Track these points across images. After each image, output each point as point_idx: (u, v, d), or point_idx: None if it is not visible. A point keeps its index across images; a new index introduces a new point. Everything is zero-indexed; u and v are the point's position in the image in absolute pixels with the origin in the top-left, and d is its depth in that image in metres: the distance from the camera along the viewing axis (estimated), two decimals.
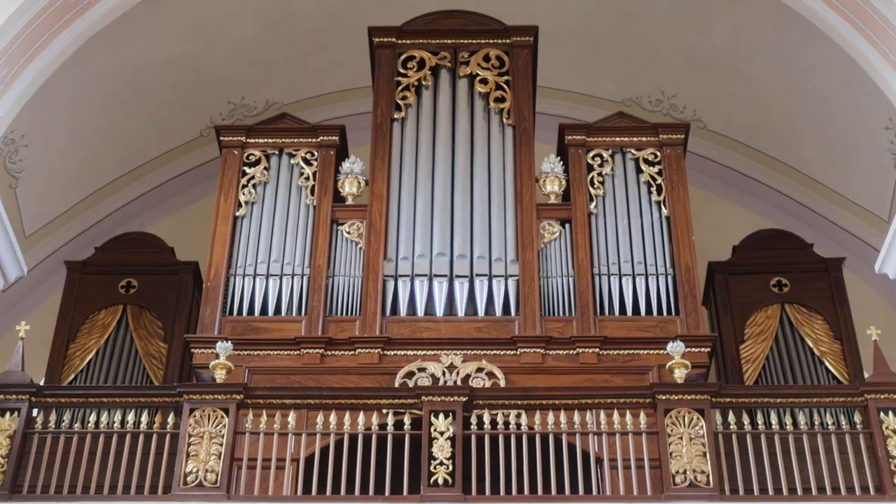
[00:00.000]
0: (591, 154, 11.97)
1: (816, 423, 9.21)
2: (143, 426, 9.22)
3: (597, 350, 10.71)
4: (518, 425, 9.22)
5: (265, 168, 11.94)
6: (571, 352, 10.74)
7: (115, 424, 9.23)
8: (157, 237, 13.19)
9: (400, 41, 12.50)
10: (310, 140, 12.08)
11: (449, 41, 12.52)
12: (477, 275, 11.07)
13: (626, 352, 10.70)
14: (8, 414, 9.09)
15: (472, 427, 9.18)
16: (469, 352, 10.61)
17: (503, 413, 9.30)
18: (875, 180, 12.89)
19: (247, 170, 11.92)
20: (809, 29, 11.18)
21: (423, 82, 12.34)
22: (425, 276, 11.07)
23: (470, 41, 12.53)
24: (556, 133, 12.29)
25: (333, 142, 12.05)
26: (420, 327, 10.84)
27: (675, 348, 9.56)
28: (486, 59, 12.44)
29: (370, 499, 8.82)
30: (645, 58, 13.71)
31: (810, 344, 12.15)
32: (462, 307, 10.92)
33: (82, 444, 9.06)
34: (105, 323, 12.35)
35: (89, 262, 12.87)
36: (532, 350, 10.71)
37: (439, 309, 10.91)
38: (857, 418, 9.19)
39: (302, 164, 11.96)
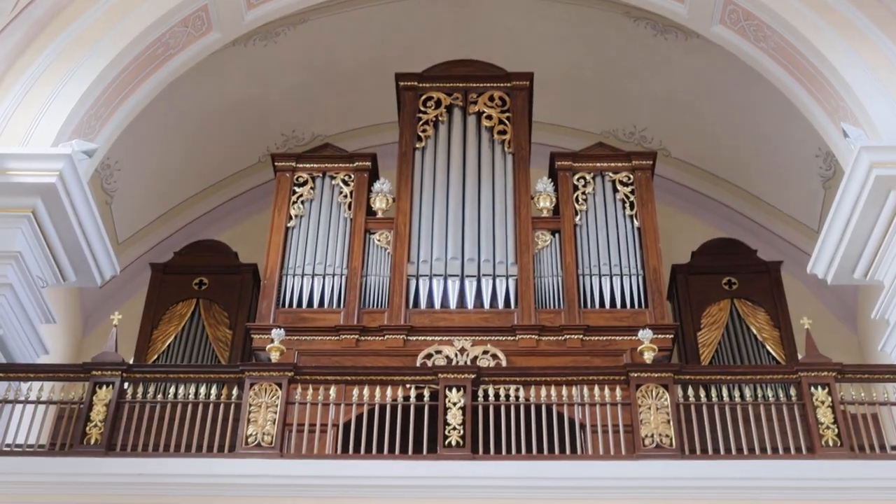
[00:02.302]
0: (576, 176, 11.97)
1: (759, 395, 9.15)
2: (212, 397, 9.23)
3: (581, 336, 10.72)
4: (517, 398, 9.19)
5: (311, 188, 11.97)
6: (560, 338, 10.76)
7: (190, 396, 9.23)
8: (224, 244, 13.20)
9: (421, 85, 12.52)
10: (347, 165, 12.10)
11: (461, 85, 12.55)
12: (483, 275, 11.09)
13: (604, 338, 10.72)
14: (104, 387, 9.09)
15: (479, 399, 9.15)
16: (477, 337, 10.63)
17: (505, 388, 9.27)
18: (807, 198, 12.88)
19: (296, 189, 11.95)
20: (754, 74, 11.19)
21: (440, 118, 12.36)
22: (441, 275, 11.09)
23: (478, 85, 12.55)
24: (548, 159, 12.31)
25: (367, 166, 12.07)
26: (437, 317, 10.87)
27: (645, 335, 9.52)
28: (491, 99, 12.46)
29: (396, 457, 8.81)
30: (620, 98, 13.71)
31: (754, 331, 12.12)
32: (471, 301, 10.94)
33: (164, 412, 9.08)
34: (182, 313, 12.37)
35: (169, 264, 12.88)
36: (528, 336, 10.73)
37: (453, 302, 10.93)
38: (793, 392, 9.16)
39: (341, 184, 11.98)
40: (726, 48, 11.01)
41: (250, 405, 9.03)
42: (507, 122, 12.27)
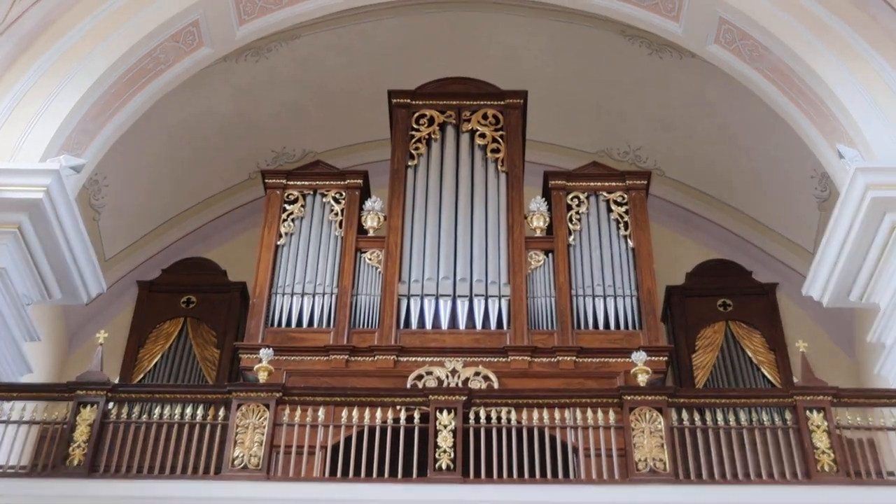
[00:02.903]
0: (570, 196, 11.99)
1: (755, 420, 9.12)
2: (198, 418, 9.16)
3: (574, 358, 10.70)
4: (509, 420, 9.14)
5: (302, 205, 11.96)
6: (553, 359, 10.74)
7: (176, 416, 9.16)
8: (213, 262, 13.22)
9: (414, 102, 12.53)
10: (339, 182, 12.10)
11: (454, 102, 12.56)
12: (475, 295, 11.07)
13: (598, 360, 10.70)
14: (89, 406, 9.02)
15: (470, 421, 9.09)
16: (468, 359, 10.61)
17: (496, 410, 9.21)
18: (803, 219, 12.90)
19: (287, 206, 11.94)
20: (750, 94, 11.21)
21: (433, 136, 12.36)
22: (433, 295, 11.06)
23: (471, 103, 12.57)
24: (542, 178, 12.31)
25: (358, 184, 12.07)
26: (428, 338, 10.83)
27: (639, 357, 9.50)
28: (485, 117, 12.47)
29: (386, 480, 8.75)
30: (615, 117, 13.73)
31: (750, 354, 12.14)
32: (463, 322, 10.92)
33: (149, 433, 9.02)
34: (169, 332, 12.37)
35: (156, 282, 12.89)
36: (520, 358, 10.71)
37: (444, 323, 10.91)
38: (788, 416, 9.13)
39: (332, 202, 11.97)
40: (721, 68, 11.05)
41: (237, 426, 8.97)
42: (500, 140, 12.28)
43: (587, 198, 11.98)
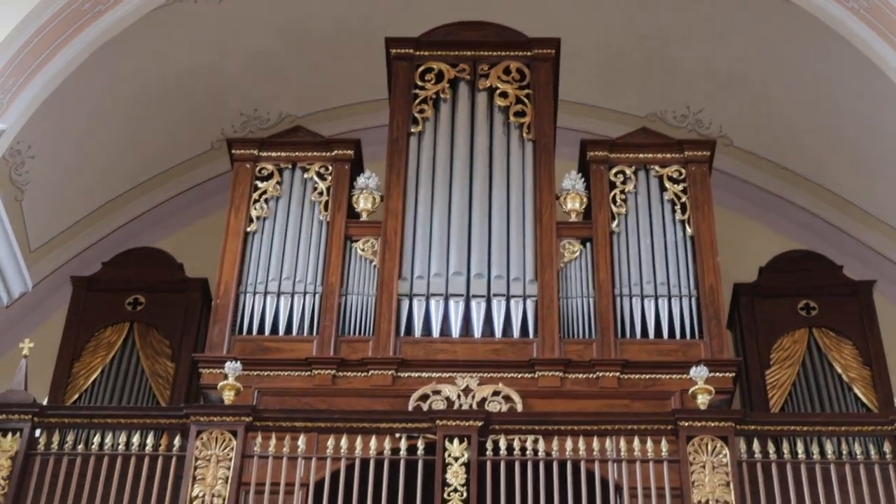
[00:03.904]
0: (613, 171, 11.95)
1: (844, 452, 9.10)
2: (148, 448, 9.19)
3: (617, 374, 10.67)
4: (535, 451, 9.17)
5: (277, 182, 11.95)
6: (591, 375, 10.71)
7: (120, 446, 9.19)
8: (166, 253, 13.22)
9: (418, 53, 12.50)
10: (324, 154, 12.08)
11: (468, 53, 12.52)
12: (494, 295, 11.05)
13: (647, 376, 10.66)
14: (10, 434, 9.05)
15: (487, 453, 9.12)
16: (485, 374, 10.57)
17: (520, 438, 9.25)
18: None
19: (259, 184, 11.92)
20: (838, 42, 11.14)
21: (441, 95, 12.34)
22: (441, 295, 11.05)
23: (490, 53, 12.53)
24: (578, 149, 12.28)
25: (348, 156, 12.05)
26: (435, 349, 10.82)
27: (699, 373, 9.50)
28: (507, 72, 12.43)
29: None
30: (669, 72, 13.70)
31: (839, 370, 12.09)
32: (479, 328, 10.90)
33: (86, 467, 9.04)
34: (111, 341, 12.35)
35: (95, 278, 12.88)
36: (550, 373, 10.69)
37: (455, 330, 10.89)
38: (887, 448, 9.12)
39: (315, 178, 11.97)
40: (803, 7, 10.99)
41: (197, 458, 9.00)
42: (526, 100, 12.25)
43: (635, 173, 11.94)
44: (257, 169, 12.00)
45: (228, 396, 9.42)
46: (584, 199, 11.78)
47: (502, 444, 9.18)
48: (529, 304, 11.03)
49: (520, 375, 10.66)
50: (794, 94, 13.22)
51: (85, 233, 13.66)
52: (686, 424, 9.16)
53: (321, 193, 11.87)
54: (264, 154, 12.08)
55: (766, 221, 13.98)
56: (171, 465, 9.10)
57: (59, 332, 12.52)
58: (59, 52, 10.58)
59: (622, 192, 11.83)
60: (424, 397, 10.43)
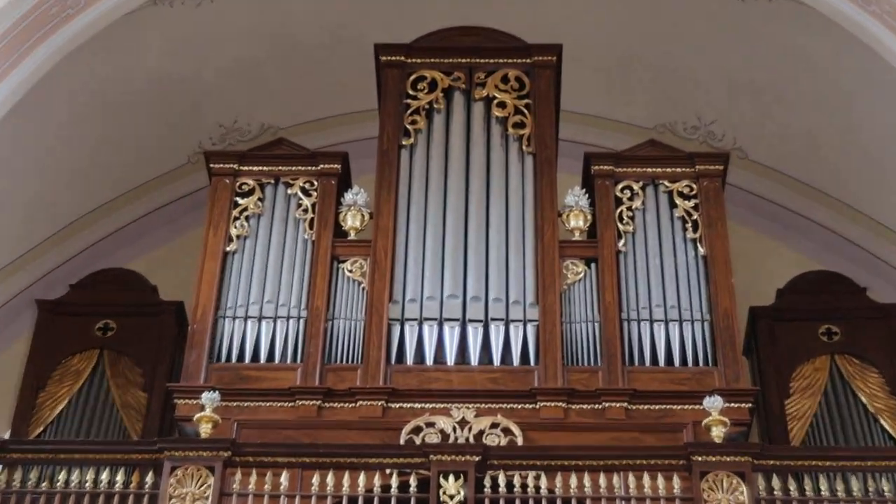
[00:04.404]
0: (619, 186, 11.95)
1: (871, 489, 9.08)
2: (118, 486, 9.14)
3: (625, 405, 10.63)
4: (537, 488, 9.15)
5: (259, 199, 11.94)
6: (597, 406, 10.67)
7: (88, 483, 9.18)
8: (138, 274, 13.19)
9: (409, 60, 12.51)
10: (309, 168, 12.08)
11: (463, 60, 12.54)
12: (492, 319, 11.02)
13: (657, 407, 10.62)
14: None
15: (485, 490, 9.11)
16: (483, 405, 10.54)
17: (520, 475, 9.23)
18: None
19: (239, 200, 11.91)
20: (859, 48, 11.16)
21: (435, 105, 12.34)
22: (435, 320, 11.01)
23: (487, 60, 12.54)
24: (581, 162, 12.28)
25: (335, 170, 12.05)
26: (429, 377, 10.78)
27: (713, 403, 9.48)
28: (505, 80, 12.44)
29: None
30: (680, 80, 13.72)
31: (864, 399, 12.06)
32: (475, 355, 10.86)
33: None
34: (78, 369, 12.30)
35: (62, 302, 12.86)
36: (553, 404, 10.64)
37: (450, 357, 10.85)
38: None
39: (300, 194, 11.95)
40: (821, 12, 11.00)
41: (171, 497, 9.02)
42: (525, 111, 12.26)
43: (643, 188, 11.94)
44: (237, 184, 11.99)
45: (205, 429, 9.38)
46: (589, 217, 11.76)
47: (501, 480, 9.16)
48: (530, 329, 10.99)
49: (520, 406, 10.61)
50: (814, 103, 13.22)
51: (51, 253, 13.61)
52: (700, 459, 9.16)
53: (306, 210, 11.85)
54: (245, 168, 12.07)
55: (784, 240, 13.97)
56: None
57: (22, 359, 12.49)
58: (24, 60, 10.59)
59: (629, 208, 11.82)
60: (417, 430, 10.38)
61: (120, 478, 9.21)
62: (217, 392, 9.70)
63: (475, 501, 8.96)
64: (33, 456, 9.62)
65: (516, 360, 10.87)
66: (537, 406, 10.63)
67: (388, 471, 9.37)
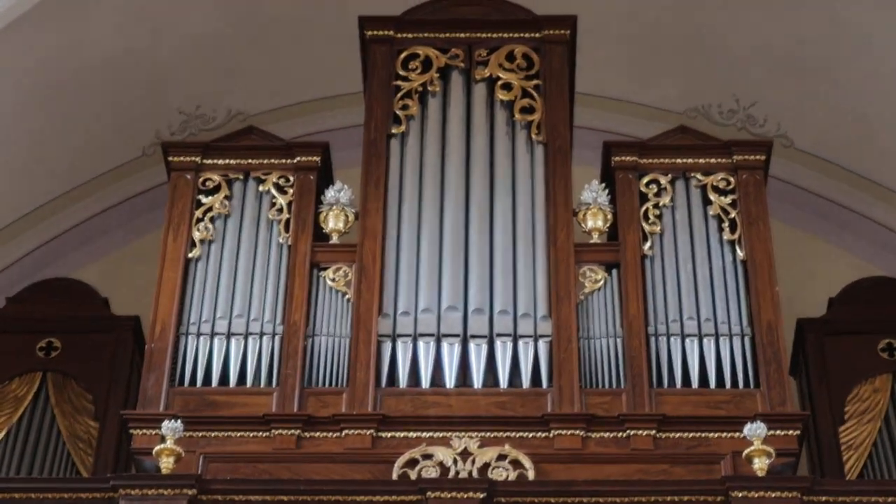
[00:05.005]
0: (644, 180, 12.00)
1: None
2: None
3: (653, 432, 10.65)
4: None
5: (226, 197, 11.98)
6: (620, 434, 10.70)
7: None
8: (87, 284, 13.20)
9: (400, 35, 12.57)
10: (283, 161, 12.12)
11: (462, 35, 12.59)
12: (498, 335, 11.04)
13: (690, 434, 10.65)
14: None
15: None
16: (488, 434, 10.56)
17: None
18: None
19: (202, 199, 11.95)
20: None
21: (430, 87, 12.39)
22: (432, 335, 11.03)
23: (489, 35, 12.60)
24: (600, 153, 12.34)
25: (314, 163, 12.09)
26: (425, 402, 10.81)
27: (755, 431, 9.52)
28: (510, 57, 12.50)
29: None
30: (715, 58, 13.79)
31: None
32: (479, 377, 10.89)
33: None
34: (18, 395, 12.29)
35: None
36: (569, 432, 10.67)
37: (450, 379, 10.88)
38: None
39: (273, 191, 11.99)
40: None
41: None
42: (534, 93, 12.32)
43: (671, 182, 11.99)
44: (200, 180, 12.03)
45: (167, 464, 9.41)
46: (609, 216, 11.82)
47: None
48: (542, 345, 11.03)
49: (531, 435, 10.65)
50: (868, 83, 13.28)
51: None
52: (740, 496, 9.21)
53: (280, 210, 11.90)
54: (209, 161, 12.11)
55: (836, 241, 14.03)
56: None
57: None
58: None
59: (656, 206, 11.87)
60: (412, 463, 10.40)
61: None
62: (180, 421, 9.71)
63: None
64: None
65: (526, 382, 10.89)
66: (551, 435, 10.66)
67: None
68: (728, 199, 11.87)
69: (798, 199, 14.05)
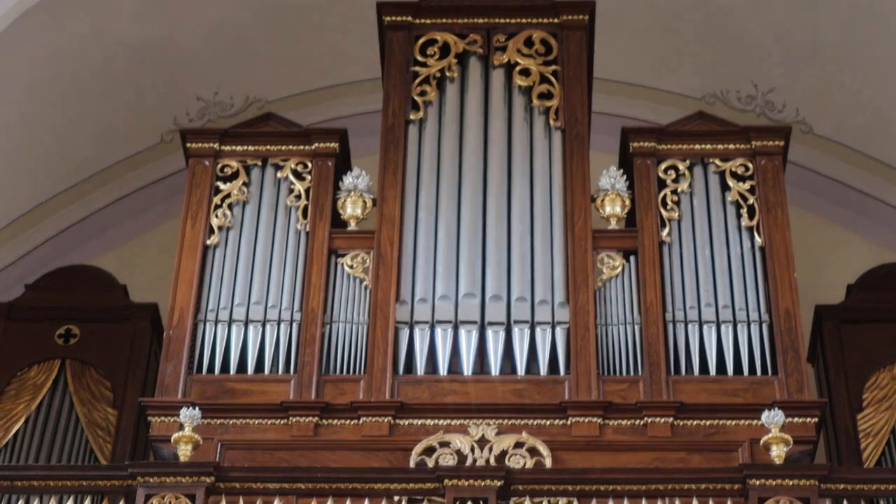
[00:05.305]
0: (662, 166, 12.00)
1: None
2: None
3: (670, 420, 10.68)
4: None
5: (244, 183, 12.00)
6: (637, 422, 10.73)
7: None
8: (105, 272, 13.23)
9: (418, 21, 12.57)
10: (302, 147, 12.14)
11: (481, 21, 12.58)
12: (515, 322, 11.07)
13: (708, 422, 10.68)
14: None
15: None
16: (505, 421, 10.60)
17: (549, 501, 9.27)
18: None
19: (221, 185, 11.98)
20: None
21: (447, 73, 12.40)
22: (449, 323, 11.07)
23: (508, 20, 12.59)
24: (619, 139, 12.34)
25: (332, 149, 12.11)
26: (442, 390, 10.84)
27: (773, 418, 9.51)
28: (529, 43, 12.49)
29: None
30: (733, 43, 13.75)
31: None
32: (496, 364, 10.92)
33: None
34: (37, 383, 12.35)
35: (17, 305, 12.88)
36: (586, 420, 10.70)
37: (467, 366, 10.92)
38: None
39: (291, 178, 12.01)
40: None
41: None
42: (553, 79, 12.31)
43: (689, 168, 11.99)
44: (219, 167, 12.06)
45: (184, 451, 9.42)
46: (627, 202, 11.83)
47: None
48: (559, 333, 11.05)
49: (548, 422, 10.69)
50: (889, 68, 13.22)
51: (2, 249, 13.73)
52: (758, 483, 9.18)
53: (298, 196, 11.92)
54: (227, 148, 12.13)
55: (855, 227, 14.00)
56: None
57: None
58: None
59: (674, 192, 11.87)
60: (430, 450, 10.44)
61: None
62: (198, 408, 9.71)
63: None
64: None
65: (543, 370, 10.93)
66: (568, 422, 10.69)
67: (396, 498, 9.41)
68: (746, 186, 11.86)
69: (817, 186, 14.01)
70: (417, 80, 12.34)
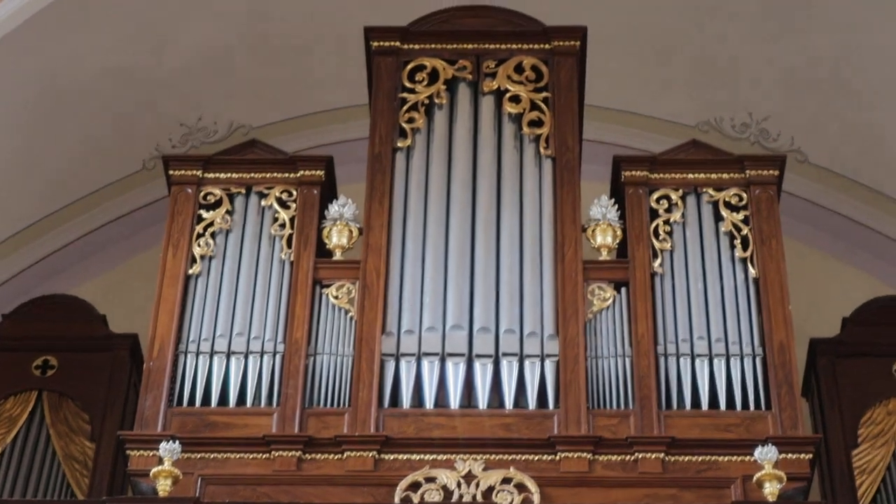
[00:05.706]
0: (655, 195, 11.98)
1: None
2: None
3: (661, 455, 10.64)
4: None
5: (227, 211, 11.99)
6: (628, 457, 10.69)
7: None
8: (84, 301, 13.17)
9: (406, 46, 12.58)
10: (286, 175, 12.12)
11: (470, 46, 12.60)
12: (504, 354, 11.03)
13: (700, 458, 10.63)
14: None
15: None
16: (493, 456, 10.56)
17: None
18: None
19: (203, 214, 11.96)
20: None
21: (436, 100, 12.39)
22: (436, 355, 11.03)
23: (498, 46, 12.60)
24: (610, 167, 12.32)
25: (317, 177, 12.09)
26: (428, 424, 10.80)
27: (766, 455, 9.50)
28: (519, 69, 12.49)
29: None
30: (727, 70, 13.77)
31: None
32: (484, 397, 10.87)
33: None
34: (13, 415, 12.29)
35: None
36: (576, 455, 10.66)
37: (454, 400, 10.87)
38: None
39: (276, 206, 11.99)
40: None
41: None
42: (543, 106, 12.31)
43: (682, 198, 11.98)
44: (202, 194, 12.04)
45: (164, 486, 9.40)
46: (618, 232, 11.81)
47: None
48: (549, 365, 11.01)
49: (537, 458, 10.64)
50: (885, 96, 13.25)
51: None
52: None
53: (283, 225, 11.90)
54: (210, 175, 12.12)
55: (850, 259, 14.00)
56: None
57: None
58: None
59: (666, 222, 11.86)
60: (415, 486, 10.40)
61: None
62: (178, 442, 9.70)
63: None
64: None
65: (532, 403, 10.88)
66: (557, 457, 10.65)
67: None
68: (740, 216, 11.85)
69: (812, 216, 14.02)
70: (405, 107, 12.34)
